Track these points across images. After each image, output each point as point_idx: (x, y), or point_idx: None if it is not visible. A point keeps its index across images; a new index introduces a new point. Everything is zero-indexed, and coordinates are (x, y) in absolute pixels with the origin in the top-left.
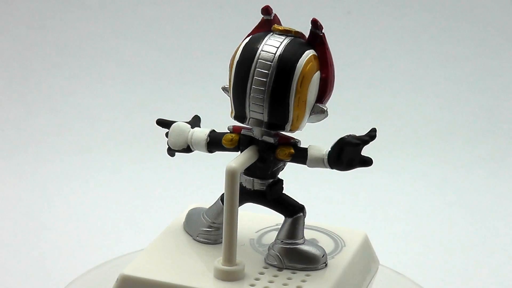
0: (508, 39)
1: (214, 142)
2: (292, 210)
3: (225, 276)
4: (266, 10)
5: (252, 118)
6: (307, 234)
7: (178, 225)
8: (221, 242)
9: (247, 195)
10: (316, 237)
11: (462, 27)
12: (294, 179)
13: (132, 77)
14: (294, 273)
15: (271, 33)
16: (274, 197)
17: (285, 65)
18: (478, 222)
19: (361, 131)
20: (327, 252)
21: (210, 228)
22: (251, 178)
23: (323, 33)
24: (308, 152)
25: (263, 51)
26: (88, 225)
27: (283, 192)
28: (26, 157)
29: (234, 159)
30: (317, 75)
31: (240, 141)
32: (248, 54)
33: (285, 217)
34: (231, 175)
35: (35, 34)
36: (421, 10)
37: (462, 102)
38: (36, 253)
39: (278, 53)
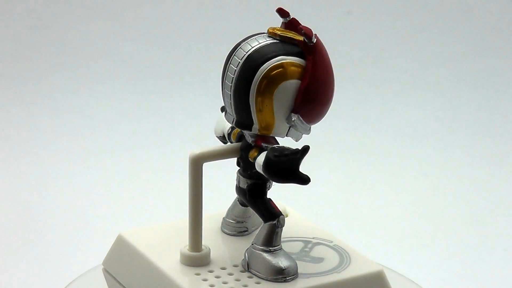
0: (508, 39)
1: (231, 134)
2: (267, 216)
3: (185, 260)
4: (279, 12)
5: (228, 113)
6: (324, 248)
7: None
8: (242, 235)
9: (237, 191)
10: (326, 254)
11: (462, 27)
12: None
13: (132, 77)
14: (250, 277)
15: (264, 34)
16: (251, 198)
17: (249, 65)
18: (478, 222)
19: (361, 131)
20: (318, 271)
21: (233, 220)
22: (239, 175)
23: (314, 43)
24: (257, 157)
25: (240, 48)
26: (88, 225)
27: (267, 197)
28: (26, 157)
29: (202, 147)
30: (292, 83)
31: (238, 136)
32: (232, 50)
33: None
34: (190, 162)
35: (35, 34)
36: (421, 10)
37: (462, 102)
38: (36, 253)
39: (249, 53)
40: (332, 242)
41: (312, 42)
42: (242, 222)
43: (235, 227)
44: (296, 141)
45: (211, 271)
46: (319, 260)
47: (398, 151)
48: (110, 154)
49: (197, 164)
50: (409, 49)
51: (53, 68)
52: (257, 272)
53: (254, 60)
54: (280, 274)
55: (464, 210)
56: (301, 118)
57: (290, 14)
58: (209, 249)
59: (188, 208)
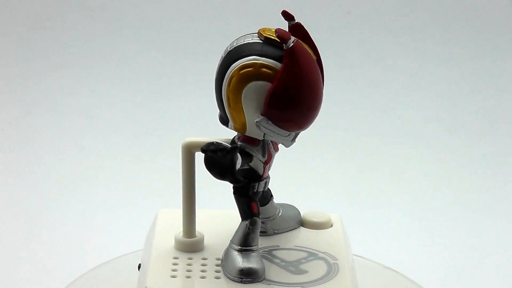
0: (508, 39)
1: None
2: (243, 215)
3: (176, 245)
4: (283, 15)
5: None
6: (320, 263)
7: None
8: (263, 235)
9: None
10: (316, 268)
11: (462, 27)
12: (292, 176)
13: (132, 77)
14: (217, 272)
15: (254, 34)
16: (235, 195)
17: (226, 61)
18: (478, 222)
19: (361, 131)
20: (287, 281)
21: None
22: None
23: (289, 48)
24: None
25: (229, 44)
26: (88, 225)
27: (253, 198)
28: (26, 157)
29: (195, 137)
30: (262, 85)
31: None
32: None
33: None
34: (182, 149)
35: (35, 34)
36: (421, 10)
37: (462, 102)
38: (36, 253)
39: (229, 49)
40: (337, 260)
41: (287, 46)
42: (262, 222)
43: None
44: (286, 147)
45: (190, 258)
46: (303, 272)
47: (397, 151)
48: (110, 154)
49: (188, 152)
50: (409, 49)
51: (53, 68)
52: (224, 268)
53: (230, 57)
54: (238, 274)
55: (464, 210)
56: (270, 122)
57: (295, 18)
58: (203, 237)
59: (181, 196)
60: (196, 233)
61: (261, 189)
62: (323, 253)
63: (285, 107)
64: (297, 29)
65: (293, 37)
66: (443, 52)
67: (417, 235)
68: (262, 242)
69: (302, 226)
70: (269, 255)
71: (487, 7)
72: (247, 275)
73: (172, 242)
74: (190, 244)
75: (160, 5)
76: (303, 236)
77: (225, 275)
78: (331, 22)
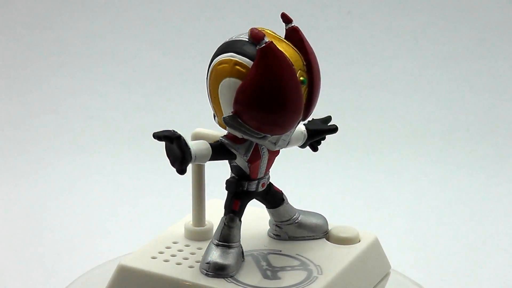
0: (508, 39)
1: None
2: (224, 211)
3: (185, 233)
4: (282, 17)
5: None
6: (302, 274)
7: None
8: (278, 238)
9: None
10: (292, 277)
11: (462, 27)
12: (295, 177)
13: (132, 77)
14: (198, 261)
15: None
16: (226, 190)
17: (213, 57)
18: (478, 222)
19: (361, 131)
20: (250, 283)
21: (271, 222)
22: None
23: (259, 48)
24: None
25: None
26: (88, 225)
27: (244, 196)
28: (26, 157)
29: (203, 128)
30: (235, 82)
31: None
32: None
33: None
34: (191, 138)
35: (35, 34)
36: (421, 10)
37: (462, 102)
38: (36, 253)
39: (220, 45)
40: (321, 274)
41: (259, 46)
42: (277, 226)
43: (271, 228)
44: (270, 149)
45: (187, 245)
46: (276, 278)
47: (397, 151)
48: (110, 154)
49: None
50: (409, 49)
51: (53, 68)
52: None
53: (216, 53)
54: (204, 267)
55: (464, 210)
56: (239, 120)
57: (296, 18)
58: (211, 227)
59: (191, 187)
60: (206, 222)
61: (252, 189)
62: (316, 265)
63: (251, 106)
64: (293, 33)
65: (267, 38)
66: (443, 52)
67: (417, 235)
68: (268, 244)
69: (327, 239)
70: (262, 257)
71: (487, 7)
72: (212, 269)
73: (178, 233)
74: (195, 232)
75: (160, 5)
76: (313, 247)
77: (201, 268)
78: (331, 22)
